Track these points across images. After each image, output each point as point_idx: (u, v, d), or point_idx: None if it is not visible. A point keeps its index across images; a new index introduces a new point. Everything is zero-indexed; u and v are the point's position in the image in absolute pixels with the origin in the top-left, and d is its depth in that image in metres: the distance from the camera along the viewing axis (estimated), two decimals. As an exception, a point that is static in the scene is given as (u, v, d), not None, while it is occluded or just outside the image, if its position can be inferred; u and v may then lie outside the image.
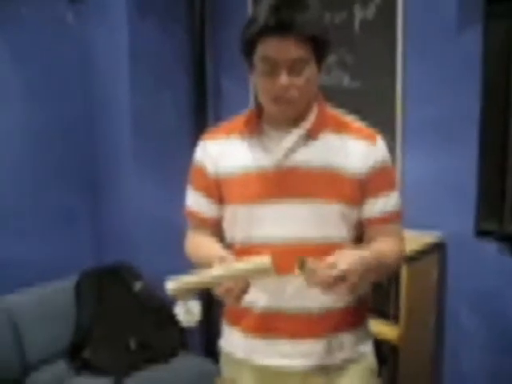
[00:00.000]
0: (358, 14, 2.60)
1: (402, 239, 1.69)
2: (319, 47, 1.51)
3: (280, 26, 1.45)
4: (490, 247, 2.35)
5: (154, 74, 3.21)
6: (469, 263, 2.42)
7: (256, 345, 1.65)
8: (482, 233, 2.36)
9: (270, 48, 1.47)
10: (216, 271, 1.48)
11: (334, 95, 2.64)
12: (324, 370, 1.64)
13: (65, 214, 3.38)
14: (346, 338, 1.65)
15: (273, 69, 1.49)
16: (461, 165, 2.40)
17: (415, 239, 2.42)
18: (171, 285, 1.47)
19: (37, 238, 3.23)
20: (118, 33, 3.15)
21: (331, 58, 2.71)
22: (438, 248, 2.46)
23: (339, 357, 1.65)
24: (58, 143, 3.32)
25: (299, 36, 1.46)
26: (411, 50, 2.48)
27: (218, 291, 1.46)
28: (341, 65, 2.70)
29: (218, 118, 3.16)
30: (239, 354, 1.71)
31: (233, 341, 1.73)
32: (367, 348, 1.72)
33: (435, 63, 2.42)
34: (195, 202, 1.73)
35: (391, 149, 2.50)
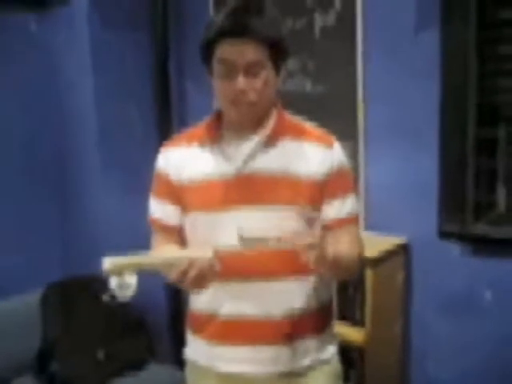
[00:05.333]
0: (319, 20, 2.63)
1: (360, 242, 1.69)
2: (275, 50, 1.53)
3: (235, 29, 1.48)
4: (453, 248, 2.39)
5: (118, 85, 3.19)
6: (433, 265, 2.45)
7: (219, 352, 1.65)
8: (444, 234, 2.38)
9: (226, 50, 1.49)
10: (156, 256, 1.51)
11: (297, 100, 2.70)
12: (288, 376, 1.64)
13: (32, 225, 3.34)
14: (310, 344, 1.65)
15: (229, 72, 1.50)
16: (423, 167, 2.43)
17: (379, 242, 2.44)
18: (107, 263, 1.44)
19: (2, 249, 3.19)
20: (81, 43, 3.13)
21: (293, 64, 2.73)
22: (403, 250, 2.49)
23: (304, 362, 1.65)
24: (24, 154, 3.28)
25: (254, 38, 1.47)
26: (371, 55, 2.51)
27: (173, 276, 1.44)
28: (303, 70, 2.72)
29: (184, 128, 3.15)
30: (203, 361, 1.70)
31: (196, 349, 1.73)
32: (332, 353, 1.73)
33: (395, 67, 2.45)
34: (160, 209, 1.71)
35: (354, 152, 2.56)
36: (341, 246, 1.56)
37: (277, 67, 1.56)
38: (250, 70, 1.49)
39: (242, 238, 1.39)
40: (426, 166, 2.41)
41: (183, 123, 3.26)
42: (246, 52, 1.48)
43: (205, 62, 1.58)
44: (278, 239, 1.38)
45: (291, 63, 2.72)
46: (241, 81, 1.49)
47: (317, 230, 1.43)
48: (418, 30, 2.36)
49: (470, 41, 2.21)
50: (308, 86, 2.72)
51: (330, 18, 2.58)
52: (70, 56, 3.25)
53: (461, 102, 2.28)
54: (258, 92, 1.52)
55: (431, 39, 2.32)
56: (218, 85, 1.55)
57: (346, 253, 1.57)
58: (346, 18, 2.53)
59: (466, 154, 2.29)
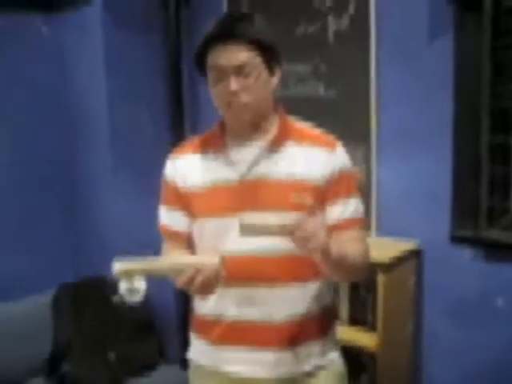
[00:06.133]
0: (332, 24, 2.63)
1: (365, 244, 1.69)
2: (265, 51, 1.57)
3: (223, 35, 1.53)
4: (466, 253, 2.37)
5: (131, 87, 3.20)
6: (445, 269, 2.44)
7: (224, 354, 1.67)
8: (457, 239, 2.38)
9: (216, 56, 1.54)
10: (164, 261, 1.54)
11: (310, 104, 2.71)
12: (292, 379, 1.65)
13: (43, 228, 3.36)
14: (313, 348, 1.67)
15: (221, 76, 1.55)
16: (435, 172, 2.42)
17: (391, 247, 2.44)
18: (117, 267, 1.45)
19: (14, 251, 3.20)
20: (94, 45, 3.14)
21: (306, 68, 2.74)
22: (415, 255, 2.48)
23: (306, 367, 1.67)
24: (35, 156, 3.30)
25: (241, 40, 1.53)
26: (384, 59, 2.50)
27: (180, 281, 1.46)
28: (315, 74, 2.72)
29: (195, 131, 3.15)
30: (207, 363, 1.73)
31: (201, 351, 1.75)
32: (335, 355, 1.75)
33: (409, 72, 2.45)
34: (169, 217, 1.74)
35: (366, 157, 2.56)
36: (344, 246, 1.56)
37: (270, 68, 1.59)
38: (241, 72, 1.54)
39: (242, 226, 1.39)
40: (438, 170, 2.40)
41: (195, 126, 3.27)
42: (235, 54, 1.53)
43: (201, 73, 1.63)
44: (280, 226, 1.38)
45: (304, 67, 2.73)
46: (232, 83, 1.53)
47: (318, 219, 1.43)
48: (432, 36, 2.35)
49: (483, 47, 2.20)
50: (321, 90, 2.72)
51: (344, 22, 2.58)
52: (83, 58, 3.27)
53: (474, 107, 2.27)
54: (250, 92, 1.55)
55: (445, 44, 2.31)
56: (213, 91, 1.60)
57: (350, 252, 1.57)
58: (360, 23, 2.53)
59: (479, 159, 2.29)
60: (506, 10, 2.20)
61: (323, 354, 1.69)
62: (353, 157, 2.53)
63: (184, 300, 3.28)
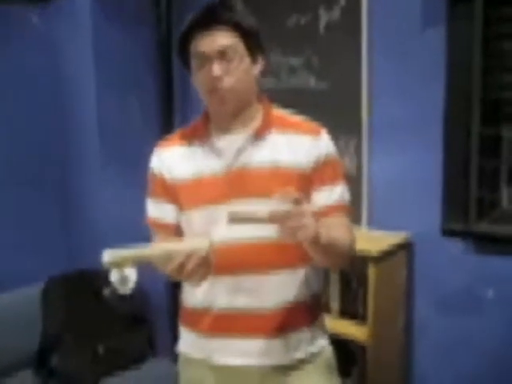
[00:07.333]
0: (323, 15, 2.62)
1: (351, 231, 1.68)
2: (246, 36, 1.58)
3: (205, 21, 1.54)
4: (456, 246, 2.38)
5: (121, 78, 3.18)
6: (436, 262, 2.44)
7: (214, 345, 1.68)
8: (447, 232, 2.38)
9: (199, 43, 1.56)
10: (154, 248, 1.54)
11: (301, 96, 2.70)
12: (282, 368, 1.66)
13: (34, 220, 3.34)
14: (303, 336, 1.68)
15: (204, 62, 1.56)
16: (427, 164, 2.42)
17: (382, 239, 2.44)
18: (107, 257, 1.44)
19: (5, 244, 3.18)
20: (84, 35, 3.12)
21: (297, 60, 2.73)
22: (406, 247, 2.48)
23: (297, 355, 1.68)
24: (26, 149, 3.28)
25: (223, 25, 1.54)
26: (376, 51, 2.50)
27: (169, 268, 1.45)
28: (307, 66, 2.71)
29: (185, 123, 3.13)
30: (198, 355, 1.73)
31: (190, 342, 1.75)
32: (324, 344, 1.75)
33: (400, 63, 2.44)
34: (157, 210, 1.74)
35: (358, 149, 2.56)
36: (332, 230, 1.55)
37: (252, 55, 1.61)
38: (224, 57, 1.55)
39: (230, 213, 1.39)
40: (429, 163, 2.40)
41: (185, 118, 3.25)
42: (216, 39, 1.54)
43: (184, 65, 1.64)
44: (269, 215, 1.36)
45: (295, 59, 2.72)
46: (215, 67, 1.54)
47: (307, 209, 1.42)
48: (424, 26, 2.35)
49: (475, 36, 2.20)
50: (312, 81, 2.71)
51: (335, 14, 2.57)
52: (72, 49, 3.25)
53: (465, 98, 2.26)
54: (233, 75, 1.56)
55: (436, 35, 2.31)
56: (196, 79, 1.61)
57: (337, 236, 1.57)
58: (351, 14, 2.52)
59: (469, 151, 2.28)
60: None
61: (312, 341, 1.71)
62: (344, 149, 2.59)
63: (176, 293, 3.27)
